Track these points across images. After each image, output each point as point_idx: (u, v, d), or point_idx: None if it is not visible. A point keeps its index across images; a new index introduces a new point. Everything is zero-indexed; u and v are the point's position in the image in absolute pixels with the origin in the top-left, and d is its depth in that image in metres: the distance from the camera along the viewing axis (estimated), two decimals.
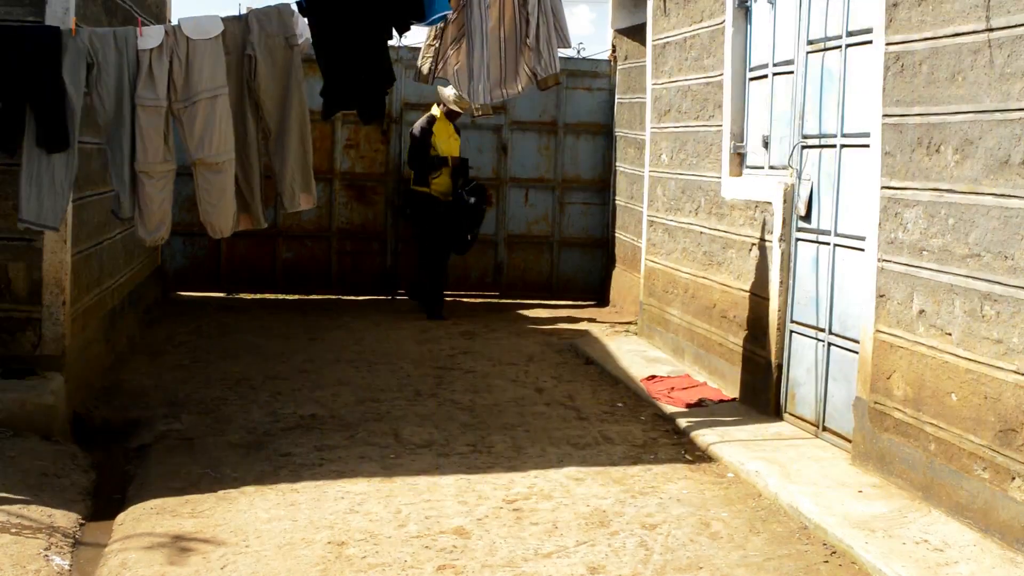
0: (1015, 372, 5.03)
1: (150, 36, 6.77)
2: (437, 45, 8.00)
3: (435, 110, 11.81)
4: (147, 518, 5.59)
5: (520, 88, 7.98)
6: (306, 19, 7.31)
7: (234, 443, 6.89)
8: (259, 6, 7.24)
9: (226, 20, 7.08)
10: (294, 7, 7.29)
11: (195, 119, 6.85)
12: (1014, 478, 5.02)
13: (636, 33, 11.66)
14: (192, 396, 7.98)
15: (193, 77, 6.85)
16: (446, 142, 11.72)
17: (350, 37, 7.31)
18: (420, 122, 11.80)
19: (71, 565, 5.08)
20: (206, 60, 6.89)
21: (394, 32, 7.72)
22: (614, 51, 12.95)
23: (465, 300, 13.07)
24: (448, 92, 11.29)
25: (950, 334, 5.51)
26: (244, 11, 7.29)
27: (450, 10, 7.51)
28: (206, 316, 11.34)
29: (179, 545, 5.24)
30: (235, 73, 7.05)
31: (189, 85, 6.87)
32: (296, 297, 12.81)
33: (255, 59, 7.05)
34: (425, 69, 8.08)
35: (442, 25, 7.89)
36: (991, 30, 5.20)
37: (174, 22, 7.47)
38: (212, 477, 6.25)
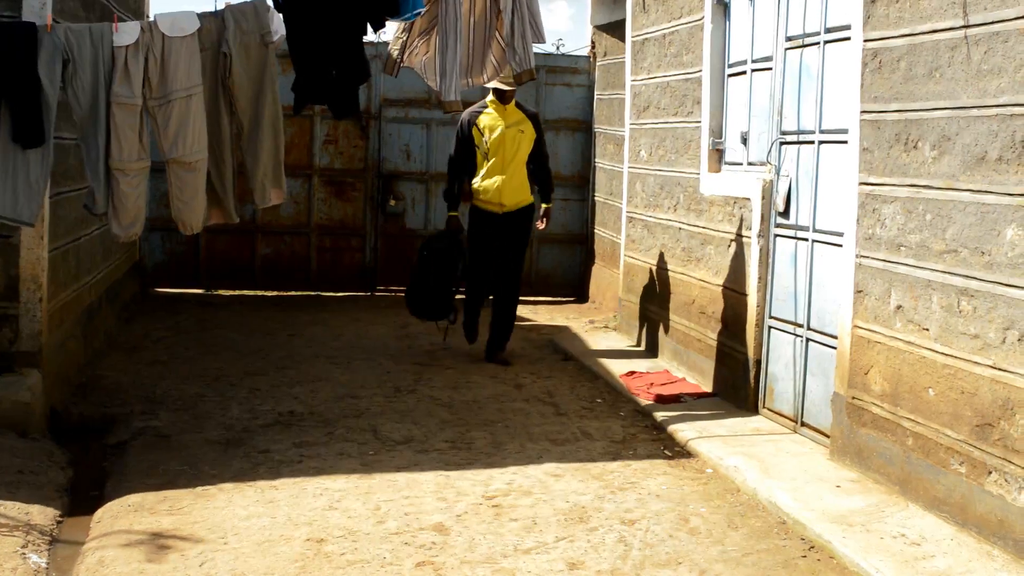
0: (992, 367, 5.05)
1: (126, 32, 6.73)
2: (405, 38, 8.00)
3: (489, 98, 9.33)
4: (125, 515, 5.57)
5: (486, 78, 8.08)
6: (281, 15, 7.29)
7: (212, 440, 6.87)
8: (235, 2, 7.22)
9: (202, 17, 7.05)
10: (270, 3, 7.27)
11: (170, 118, 6.83)
12: (990, 472, 5.05)
13: (615, 29, 11.66)
14: (170, 392, 7.95)
15: (169, 75, 6.82)
16: (497, 137, 9.19)
17: (323, 32, 7.30)
18: (463, 115, 9.35)
19: (48, 563, 5.05)
20: (182, 58, 6.86)
21: (369, 28, 7.72)
22: (593, 47, 12.95)
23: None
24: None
25: (927, 329, 5.53)
26: (220, 7, 7.27)
27: (423, 8, 7.51)
28: (184, 312, 11.30)
29: (157, 542, 5.21)
30: (210, 70, 7.03)
31: (165, 83, 6.84)
32: (275, 293, 12.77)
33: (230, 56, 7.03)
34: (390, 60, 8.08)
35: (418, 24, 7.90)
36: (968, 27, 5.22)
37: (151, 18, 7.44)
38: (190, 474, 6.23)
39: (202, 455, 6.56)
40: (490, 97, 9.30)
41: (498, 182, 9.18)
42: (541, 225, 9.74)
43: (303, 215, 12.87)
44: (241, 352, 9.44)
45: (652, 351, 9.55)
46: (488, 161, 9.20)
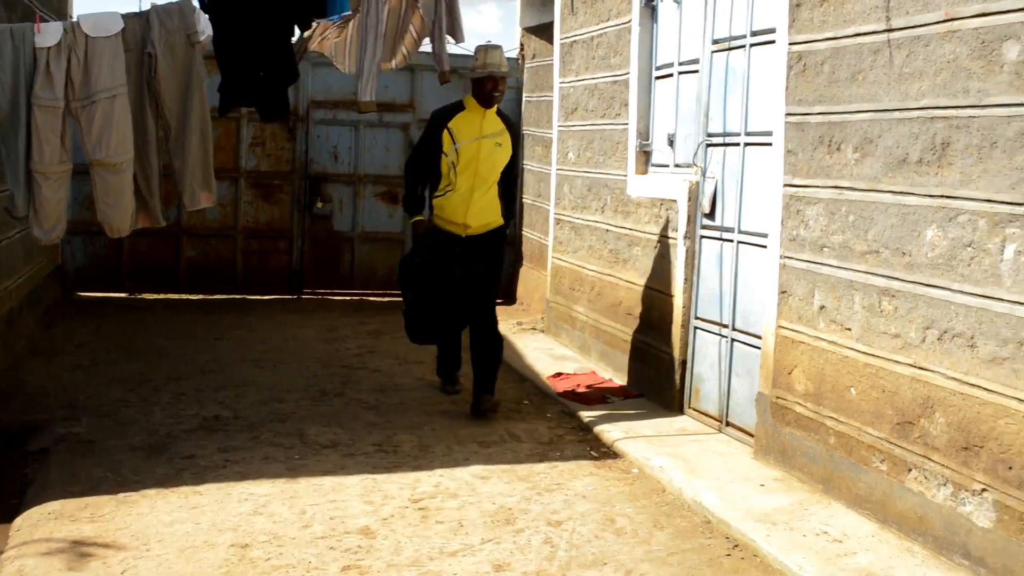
0: (912, 366, 5.12)
1: (48, 33, 6.63)
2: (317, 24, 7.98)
3: (467, 97, 7.85)
4: (45, 523, 5.47)
5: (394, 64, 8.10)
6: (207, 16, 7.23)
7: (135, 446, 6.77)
8: (160, 2, 7.14)
9: (126, 17, 6.97)
10: (196, 4, 7.20)
11: (93, 119, 6.73)
12: (911, 470, 5.11)
13: (544, 31, 11.68)
14: (92, 398, 7.83)
15: (92, 76, 6.72)
16: (471, 147, 7.69)
17: (250, 34, 7.26)
18: (435, 112, 7.96)
19: None
20: (105, 59, 6.77)
21: (296, 29, 7.70)
22: (522, 49, 12.96)
23: (372, 299, 13.00)
24: (472, 63, 7.85)
25: (850, 329, 5.59)
26: (145, 8, 7.19)
27: (349, 11, 7.51)
28: (107, 316, 11.15)
29: (78, 550, 5.12)
30: (135, 71, 6.94)
31: (88, 84, 6.74)
32: (200, 297, 12.63)
33: (155, 57, 6.95)
34: (302, 45, 8.05)
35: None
36: (891, 31, 5.28)
37: (74, 18, 7.34)
38: (112, 480, 6.13)
39: (125, 461, 6.46)
40: (467, 96, 7.84)
41: (463, 200, 7.68)
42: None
43: (229, 217, 12.75)
44: (165, 356, 9.32)
45: (580, 352, 9.57)
46: (456, 174, 7.67)
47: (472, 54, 7.88)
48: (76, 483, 6.06)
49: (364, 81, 7.60)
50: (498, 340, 7.89)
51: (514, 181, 8.28)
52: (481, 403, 7.66)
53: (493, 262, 7.96)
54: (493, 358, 7.80)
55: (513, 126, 8.00)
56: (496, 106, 7.78)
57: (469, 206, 7.68)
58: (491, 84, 7.60)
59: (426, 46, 8.21)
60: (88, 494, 5.88)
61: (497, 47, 7.64)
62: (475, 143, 7.64)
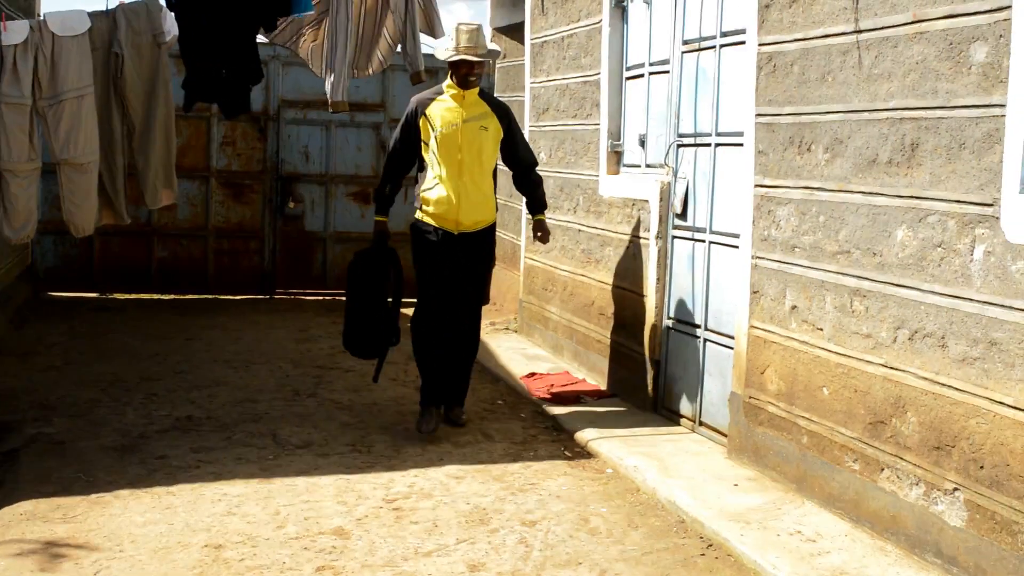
0: (883, 366, 5.15)
1: (15, 31, 6.60)
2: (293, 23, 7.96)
3: (447, 82, 7.26)
4: (17, 524, 5.44)
5: (371, 71, 8.06)
6: (173, 14, 7.22)
7: (108, 446, 6.75)
8: (128, 2, 7.12)
9: (93, 16, 6.94)
10: (162, 3, 7.18)
11: (60, 119, 6.72)
12: (883, 469, 5.15)
13: (515, 32, 11.69)
14: (64, 398, 7.80)
15: (59, 75, 6.70)
16: (450, 133, 7.12)
17: (215, 32, 7.24)
18: (412, 100, 7.37)
19: None
20: (72, 58, 6.75)
21: (262, 29, 7.69)
22: None
23: (342, 298, 12.92)
24: (442, 41, 7.64)
25: (821, 329, 5.63)
26: (112, 7, 7.16)
27: (312, 10, 7.51)
28: (79, 316, 11.10)
29: (51, 551, 5.11)
30: (101, 70, 6.93)
31: (55, 83, 6.72)
32: (172, 297, 12.60)
33: (122, 56, 6.94)
34: (282, 34, 8.02)
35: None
36: (859, 32, 5.32)
37: (42, 17, 7.30)
38: (85, 481, 6.11)
39: (97, 462, 6.44)
40: (447, 81, 7.26)
41: (453, 193, 7.08)
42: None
43: (200, 217, 12.71)
44: (137, 357, 9.28)
45: (553, 352, 9.59)
46: (440, 164, 7.11)
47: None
48: (48, 484, 6.04)
49: (336, 81, 7.60)
50: (476, 347, 7.59)
51: (530, 162, 7.61)
52: (452, 417, 7.46)
53: (485, 262, 7.50)
54: (468, 367, 7.54)
55: (502, 106, 7.35)
56: (478, 87, 7.22)
57: (460, 200, 7.10)
58: (465, 68, 7.06)
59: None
60: (60, 495, 5.86)
61: (474, 27, 7.06)
62: (454, 129, 7.08)
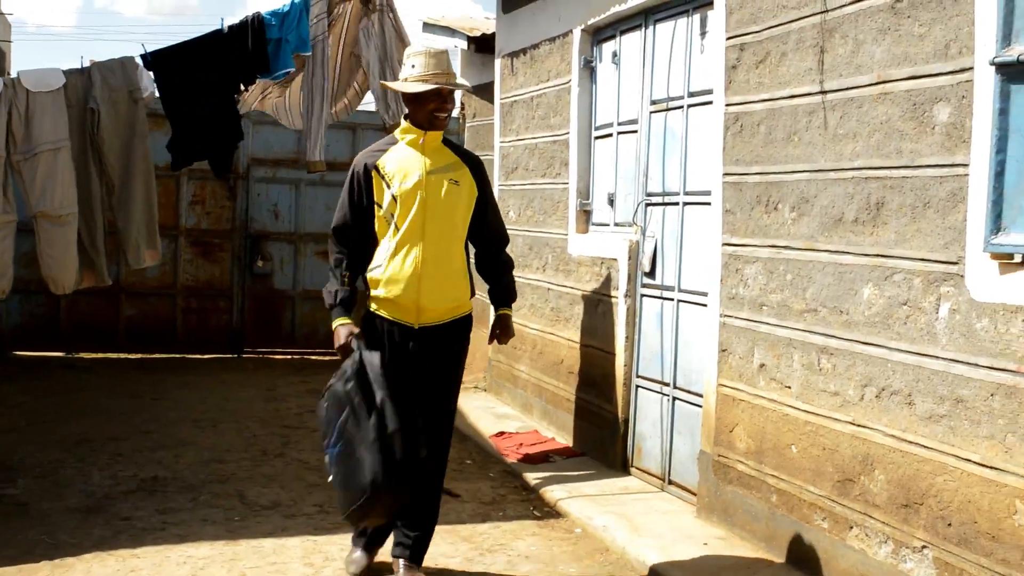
0: (851, 423, 5.16)
1: None
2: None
3: (402, 125, 5.44)
4: None
5: (334, 111, 8.10)
6: (151, 72, 7.24)
7: (72, 507, 6.67)
8: (103, 59, 7.15)
9: (68, 73, 6.96)
10: (139, 60, 7.21)
11: (36, 171, 6.71)
12: (852, 527, 5.14)
13: (484, 91, 11.76)
14: (28, 459, 7.71)
15: (34, 130, 6.71)
16: (410, 189, 5.27)
17: (197, 91, 7.27)
18: (357, 158, 5.49)
19: None
20: (47, 113, 6.76)
21: (241, 87, 7.72)
22: (463, 108, 13.03)
23: (313, 358, 12.93)
24: (400, 75, 5.45)
25: (790, 387, 5.63)
26: (87, 64, 7.19)
27: (293, 68, 7.54)
28: (45, 376, 11.02)
29: None
30: (77, 126, 6.93)
31: (30, 137, 6.72)
32: (140, 356, 12.53)
33: (98, 112, 6.95)
34: (244, 101, 8.07)
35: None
36: (825, 92, 5.37)
37: (14, 75, 7.32)
38: (48, 544, 6.03)
39: (61, 523, 6.36)
40: (403, 124, 5.45)
41: (412, 266, 5.26)
42: (493, 344, 5.96)
43: (169, 276, 12.67)
44: (104, 416, 9.20)
45: (522, 411, 9.56)
46: (396, 230, 5.29)
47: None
48: (9, 547, 5.95)
49: (312, 141, 7.64)
50: (441, 481, 5.64)
51: (501, 234, 5.79)
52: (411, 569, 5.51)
53: (455, 366, 5.56)
54: (434, 509, 5.61)
55: (473, 158, 5.57)
56: (442, 133, 5.45)
57: (422, 277, 5.27)
58: (436, 102, 5.29)
59: (368, 103, 8.26)
60: (22, 559, 5.77)
61: (442, 51, 5.42)
62: (418, 183, 5.27)
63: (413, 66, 5.30)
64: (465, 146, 12.58)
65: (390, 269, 5.29)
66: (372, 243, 5.40)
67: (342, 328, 5.38)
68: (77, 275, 7.01)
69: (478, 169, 5.52)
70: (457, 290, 5.41)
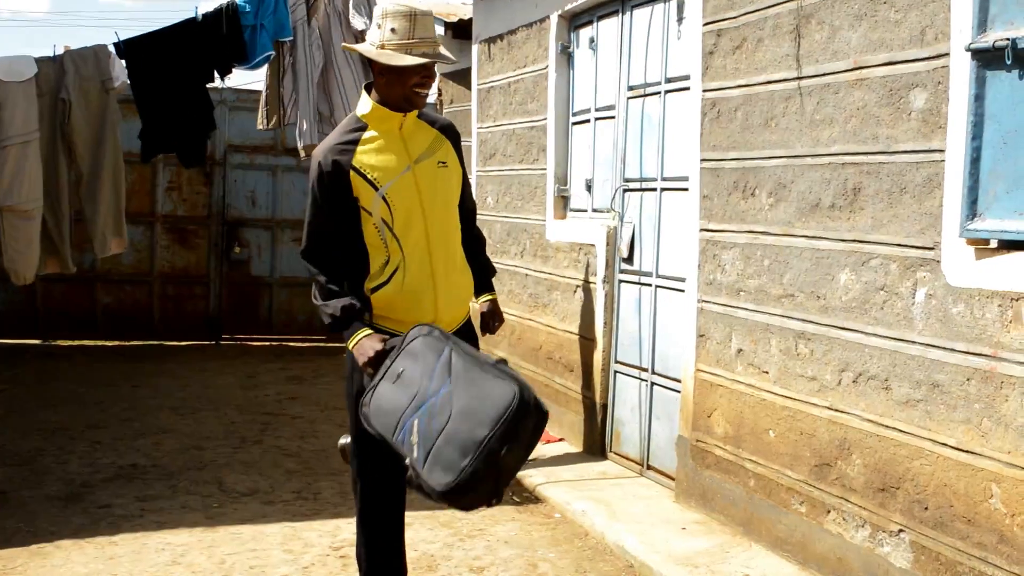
0: (828, 408, 5.19)
1: None
2: (267, 92, 7.97)
3: (363, 107, 4.36)
4: None
5: (333, 120, 8.08)
6: (123, 61, 7.20)
7: (51, 496, 6.66)
8: (76, 47, 7.10)
9: (40, 62, 6.91)
10: (111, 49, 7.16)
11: (5, 165, 6.66)
12: (829, 511, 5.17)
13: (462, 77, 11.74)
14: (6, 448, 7.69)
15: (4, 120, 6.66)
16: (402, 184, 4.31)
17: (169, 80, 7.22)
18: (315, 157, 4.41)
19: None
20: (19, 103, 6.71)
21: (216, 74, 7.68)
22: (440, 95, 13.00)
23: (291, 344, 12.91)
24: (369, 39, 4.31)
25: (767, 372, 5.66)
26: (60, 52, 7.13)
27: (272, 52, 7.49)
28: (22, 364, 10.98)
29: None
30: (48, 116, 6.89)
31: (0, 129, 6.67)
32: (117, 343, 12.49)
33: (69, 102, 6.90)
34: (267, 120, 8.02)
35: (280, 73, 7.89)
36: (801, 78, 5.39)
37: None
38: (26, 532, 6.02)
39: (40, 511, 6.35)
40: (366, 106, 4.39)
41: (425, 279, 4.38)
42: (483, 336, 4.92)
43: (145, 263, 12.63)
44: (82, 404, 9.18)
45: None
46: (394, 238, 4.34)
47: None
48: None
49: (310, 127, 7.61)
50: None
51: (472, 210, 4.83)
52: None
53: None
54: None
55: (448, 125, 4.61)
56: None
57: (437, 287, 4.41)
58: (420, 75, 4.27)
59: None
60: (0, 547, 5.75)
61: (428, 12, 4.31)
62: (408, 175, 4.34)
63: (393, 30, 4.21)
64: None
65: (397, 285, 4.33)
66: (358, 254, 4.40)
67: (367, 341, 4.22)
68: (38, 265, 6.98)
69: (456, 139, 4.60)
70: (466, 289, 4.64)
